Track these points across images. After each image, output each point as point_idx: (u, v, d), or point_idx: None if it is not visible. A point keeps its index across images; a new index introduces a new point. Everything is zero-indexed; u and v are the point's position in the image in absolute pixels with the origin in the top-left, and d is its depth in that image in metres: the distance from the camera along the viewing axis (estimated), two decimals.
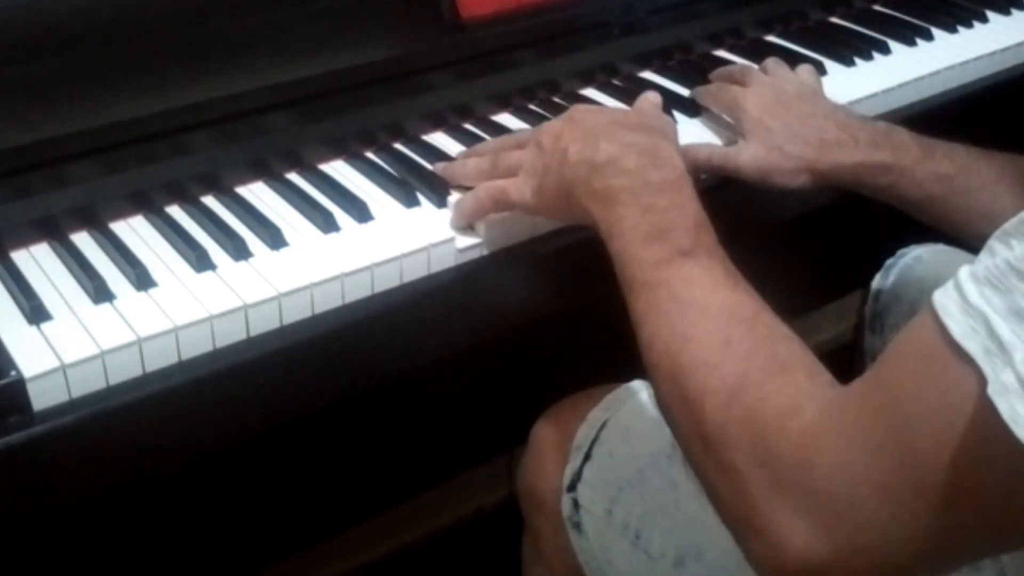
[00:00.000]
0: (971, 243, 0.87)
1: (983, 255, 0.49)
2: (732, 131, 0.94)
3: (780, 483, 0.55)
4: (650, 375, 0.66)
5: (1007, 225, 0.49)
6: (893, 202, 0.87)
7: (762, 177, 0.87)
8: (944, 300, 0.50)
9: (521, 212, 0.80)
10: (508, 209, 0.80)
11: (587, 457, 0.85)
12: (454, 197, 0.86)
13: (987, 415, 0.46)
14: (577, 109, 0.79)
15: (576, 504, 0.85)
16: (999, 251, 0.48)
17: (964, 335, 0.48)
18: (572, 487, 0.85)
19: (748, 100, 0.90)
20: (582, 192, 0.73)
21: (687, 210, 0.69)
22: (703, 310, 0.63)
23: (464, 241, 0.82)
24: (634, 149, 0.72)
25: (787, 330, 0.62)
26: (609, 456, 0.84)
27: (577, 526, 0.85)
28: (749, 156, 0.87)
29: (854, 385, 0.55)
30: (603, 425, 0.86)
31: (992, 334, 0.47)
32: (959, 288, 0.49)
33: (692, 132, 0.96)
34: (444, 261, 0.81)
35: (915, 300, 1.01)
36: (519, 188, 0.78)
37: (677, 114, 0.98)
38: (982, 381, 0.47)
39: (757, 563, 0.57)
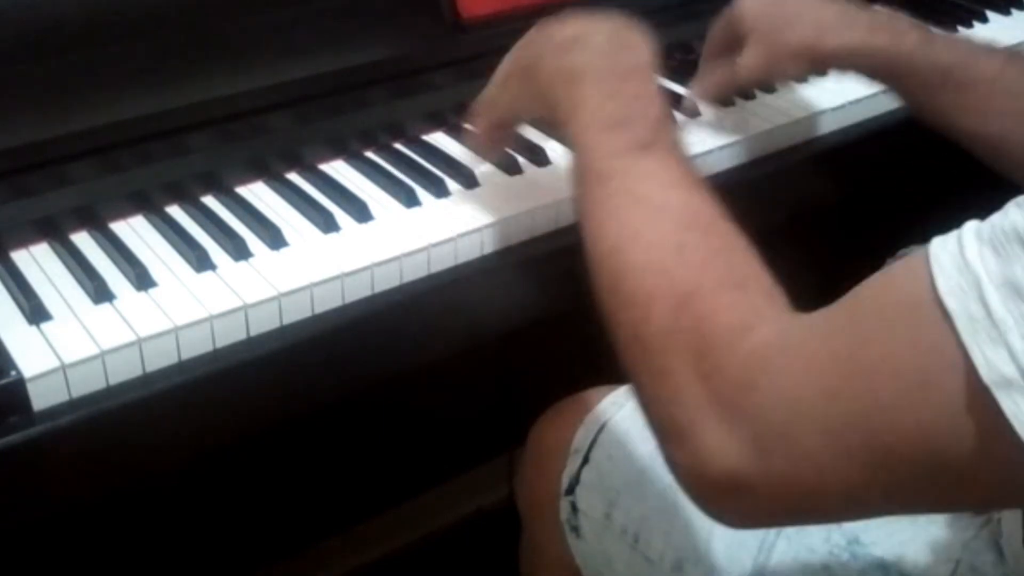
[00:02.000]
0: (964, 142, 0.87)
1: (996, 215, 0.46)
2: (733, 130, 0.94)
3: (720, 399, 0.52)
4: (591, 269, 0.62)
5: None
6: (892, 88, 0.88)
7: (766, 72, 0.87)
8: (940, 251, 0.47)
9: (492, 111, 0.79)
10: (487, 112, 0.79)
11: (585, 460, 0.85)
12: (454, 197, 0.86)
13: (976, 399, 0.44)
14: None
15: (574, 507, 0.84)
16: (1012, 214, 0.45)
17: (950, 292, 0.45)
18: (570, 490, 0.85)
19: (743, 6, 0.90)
20: (544, 68, 0.70)
21: (652, 101, 0.65)
22: (658, 209, 0.60)
23: (464, 241, 0.82)
24: (603, 29, 0.69)
25: (745, 244, 0.59)
26: (607, 459, 0.84)
27: (575, 529, 0.85)
28: (750, 57, 0.87)
29: (818, 315, 0.52)
30: (601, 428, 0.86)
31: (981, 300, 0.44)
32: (960, 242, 0.46)
33: (693, 132, 0.96)
34: (444, 261, 0.81)
35: None
36: (489, 87, 0.76)
37: (677, 114, 0.98)
38: (964, 351, 0.44)
39: (680, 471, 0.55)
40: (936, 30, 1.14)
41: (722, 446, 0.52)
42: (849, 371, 0.49)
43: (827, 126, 1.01)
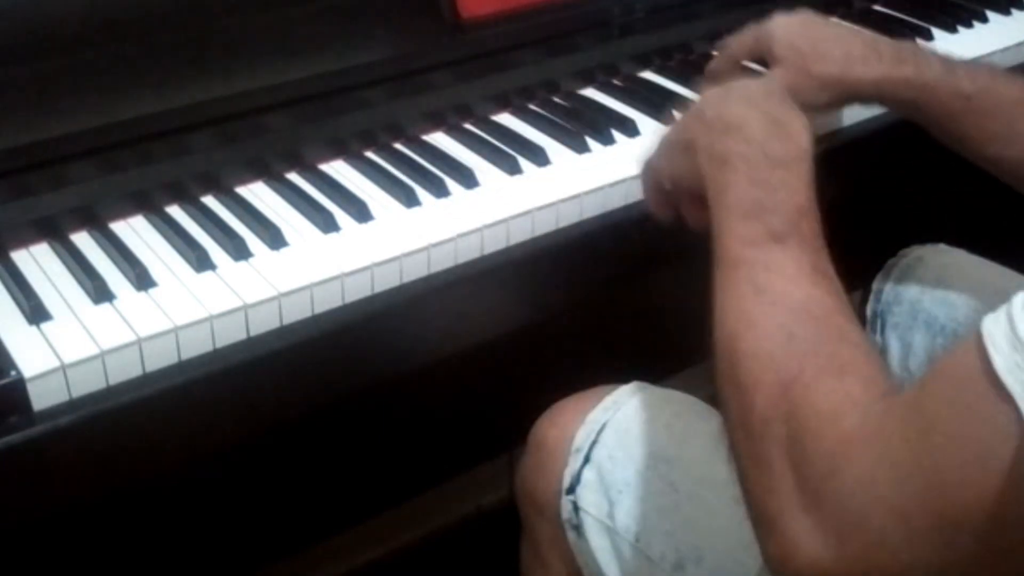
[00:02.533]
0: (989, 167, 0.88)
1: None
2: None
3: (806, 488, 0.54)
4: (713, 351, 0.64)
5: None
6: (915, 118, 0.89)
7: (794, 99, 0.88)
8: (993, 328, 0.48)
9: (656, 176, 0.79)
10: (652, 176, 0.80)
11: (586, 459, 0.84)
12: (454, 197, 0.86)
13: None
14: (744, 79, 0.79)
15: (575, 507, 0.84)
16: None
17: (1007, 370, 0.46)
18: (571, 490, 0.85)
19: (776, 26, 0.91)
20: (702, 149, 0.72)
21: (795, 193, 0.67)
22: (776, 299, 0.62)
23: (464, 241, 0.82)
24: (763, 117, 0.71)
25: (859, 334, 0.61)
26: (608, 459, 0.84)
27: (576, 529, 0.84)
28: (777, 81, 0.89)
29: (898, 400, 0.54)
30: (602, 427, 0.85)
31: None
32: (1011, 319, 0.47)
33: None
34: (444, 261, 0.81)
35: (916, 300, 1.02)
36: (655, 152, 0.78)
37: (678, 114, 0.98)
38: (1021, 422, 0.45)
39: (771, 562, 0.57)
40: (937, 31, 1.15)
41: (806, 535, 0.53)
42: (916, 450, 0.50)
43: (827, 126, 1.01)
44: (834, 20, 0.94)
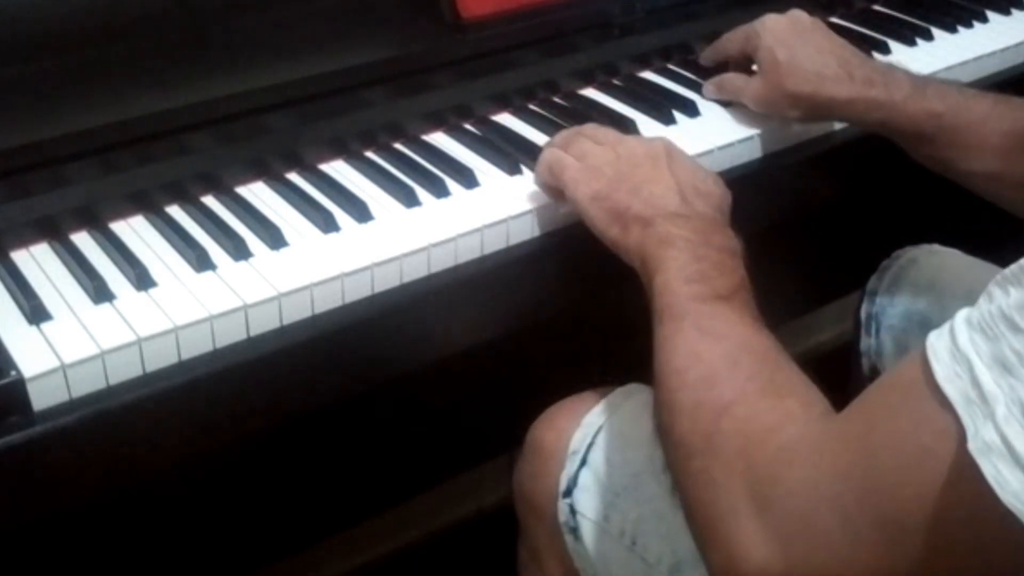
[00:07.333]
0: (962, 181, 0.91)
1: (982, 300, 0.49)
2: (734, 129, 0.94)
3: (749, 495, 0.56)
4: (656, 392, 0.68)
5: (1007, 271, 0.49)
6: (888, 135, 0.92)
7: (764, 110, 0.95)
8: (936, 341, 0.50)
9: (561, 197, 0.82)
10: (555, 183, 0.82)
11: (583, 462, 0.84)
12: (454, 197, 0.86)
13: (965, 469, 0.47)
14: (663, 145, 0.81)
15: (572, 510, 0.84)
16: (997, 297, 0.48)
17: (947, 379, 0.49)
18: (568, 492, 0.84)
19: (765, 29, 0.94)
20: (640, 226, 0.75)
21: (735, 270, 0.72)
22: (720, 338, 0.66)
23: (464, 241, 0.82)
24: (704, 217, 0.76)
25: (796, 367, 0.64)
26: (605, 461, 0.84)
27: (573, 531, 0.84)
28: (752, 92, 0.95)
29: (843, 411, 0.57)
30: (599, 430, 0.85)
31: (975, 381, 0.47)
32: (952, 331, 0.50)
33: (692, 132, 0.96)
34: (444, 261, 0.81)
35: (910, 301, 1.02)
36: (575, 176, 0.80)
37: (677, 114, 0.98)
38: (959, 428, 0.47)
39: (716, 573, 0.59)
40: (937, 31, 1.15)
41: (751, 541, 0.55)
42: (856, 451, 0.53)
43: (821, 128, 1.01)
44: (821, 26, 0.95)
